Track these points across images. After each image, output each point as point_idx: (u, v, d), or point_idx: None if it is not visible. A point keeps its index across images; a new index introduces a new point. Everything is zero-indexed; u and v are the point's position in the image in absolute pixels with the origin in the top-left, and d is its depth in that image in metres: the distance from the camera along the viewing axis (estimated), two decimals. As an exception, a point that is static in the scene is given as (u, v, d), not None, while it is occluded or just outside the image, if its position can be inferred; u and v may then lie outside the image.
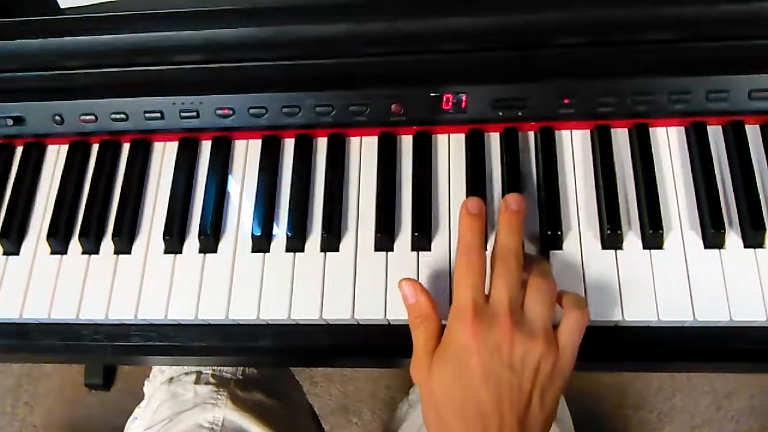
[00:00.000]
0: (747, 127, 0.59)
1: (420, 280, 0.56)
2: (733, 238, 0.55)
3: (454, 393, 0.48)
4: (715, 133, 0.59)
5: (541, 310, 0.48)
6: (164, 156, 0.64)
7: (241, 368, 0.76)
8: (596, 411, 1.32)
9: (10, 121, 0.64)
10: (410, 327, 0.52)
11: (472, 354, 0.47)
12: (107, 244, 0.61)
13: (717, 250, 0.55)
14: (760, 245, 0.55)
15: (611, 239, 0.55)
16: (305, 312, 0.56)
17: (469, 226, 0.51)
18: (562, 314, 0.50)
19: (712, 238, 0.55)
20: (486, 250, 0.52)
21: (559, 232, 0.56)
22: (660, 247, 0.55)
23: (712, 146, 0.58)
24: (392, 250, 0.58)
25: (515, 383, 0.47)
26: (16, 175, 0.65)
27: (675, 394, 1.32)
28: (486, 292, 0.50)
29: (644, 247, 0.56)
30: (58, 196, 0.64)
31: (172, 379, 0.75)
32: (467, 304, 0.48)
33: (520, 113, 0.59)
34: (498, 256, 0.50)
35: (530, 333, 0.47)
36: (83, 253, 0.61)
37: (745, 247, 0.55)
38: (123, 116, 0.63)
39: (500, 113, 0.59)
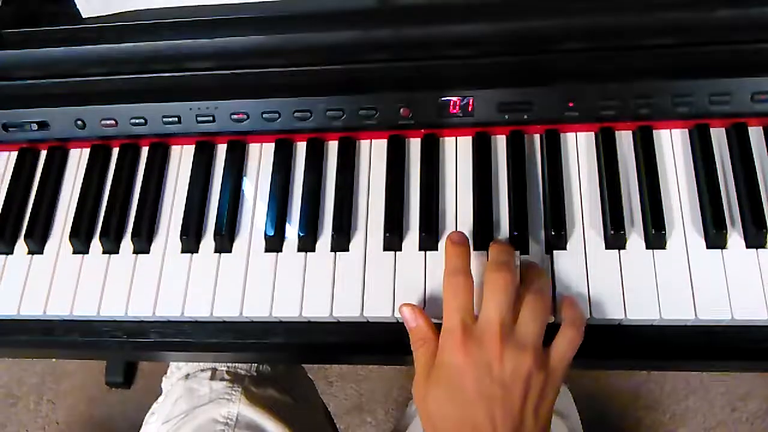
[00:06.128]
0: (750, 129, 0.59)
1: (427, 279, 0.57)
2: (735, 238, 0.56)
3: (449, 412, 0.49)
4: (718, 136, 0.60)
5: (533, 328, 0.50)
6: (181, 159, 0.66)
7: (255, 365, 0.78)
8: (608, 411, 1.31)
9: (34, 126, 0.66)
10: (412, 349, 0.53)
11: (464, 374, 0.48)
12: (127, 243, 0.63)
13: (719, 250, 0.56)
14: (762, 245, 0.55)
15: (615, 239, 0.56)
16: (316, 310, 0.58)
17: (453, 252, 0.54)
18: (559, 330, 0.52)
19: (714, 237, 0.56)
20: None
21: (563, 233, 0.57)
22: (663, 247, 0.56)
23: (715, 148, 0.59)
24: (400, 249, 0.59)
25: (507, 399, 0.48)
26: (40, 177, 0.67)
27: (689, 396, 1.31)
28: (477, 310, 0.51)
29: (647, 247, 0.57)
30: (80, 197, 0.66)
31: (188, 375, 0.77)
32: (456, 325, 0.50)
33: (525, 116, 0.61)
34: (490, 274, 0.51)
35: (520, 348, 0.49)
36: (104, 252, 0.63)
37: (747, 247, 0.56)
38: (142, 121, 0.65)
39: (506, 116, 0.61)
